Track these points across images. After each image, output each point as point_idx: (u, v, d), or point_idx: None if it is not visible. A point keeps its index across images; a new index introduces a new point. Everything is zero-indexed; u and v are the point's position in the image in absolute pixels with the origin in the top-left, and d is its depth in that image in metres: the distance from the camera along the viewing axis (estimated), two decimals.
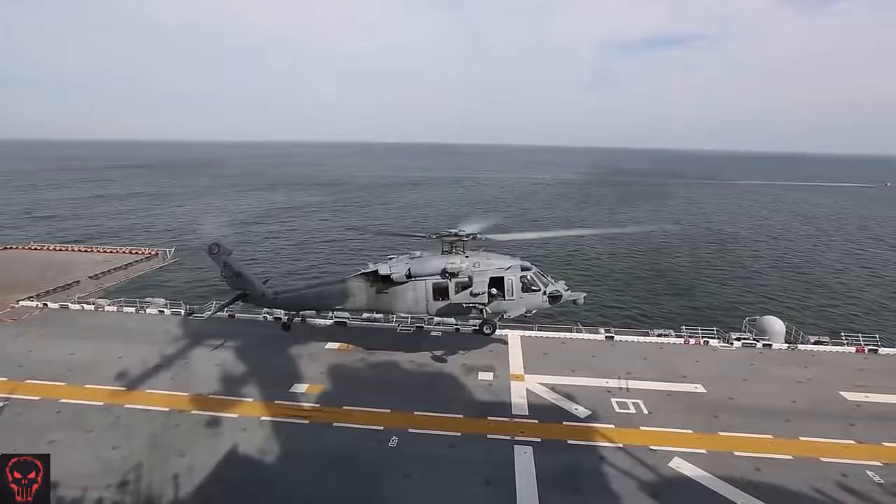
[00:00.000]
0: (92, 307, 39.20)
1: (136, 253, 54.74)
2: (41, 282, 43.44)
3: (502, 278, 27.82)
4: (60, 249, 57.02)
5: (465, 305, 28.04)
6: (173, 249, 56.78)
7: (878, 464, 20.88)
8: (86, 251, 56.14)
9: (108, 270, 47.99)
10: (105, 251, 55.90)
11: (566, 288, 28.96)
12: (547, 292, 28.19)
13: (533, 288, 28.07)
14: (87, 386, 26.67)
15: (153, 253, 54.89)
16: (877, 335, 34.14)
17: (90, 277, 45.90)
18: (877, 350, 32.54)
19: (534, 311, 28.75)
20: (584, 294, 29.56)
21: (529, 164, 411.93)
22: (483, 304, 27.61)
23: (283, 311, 32.99)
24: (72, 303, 39.68)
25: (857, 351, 32.60)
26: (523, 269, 28.23)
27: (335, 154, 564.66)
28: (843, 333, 34.50)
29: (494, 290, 27.89)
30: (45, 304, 39.04)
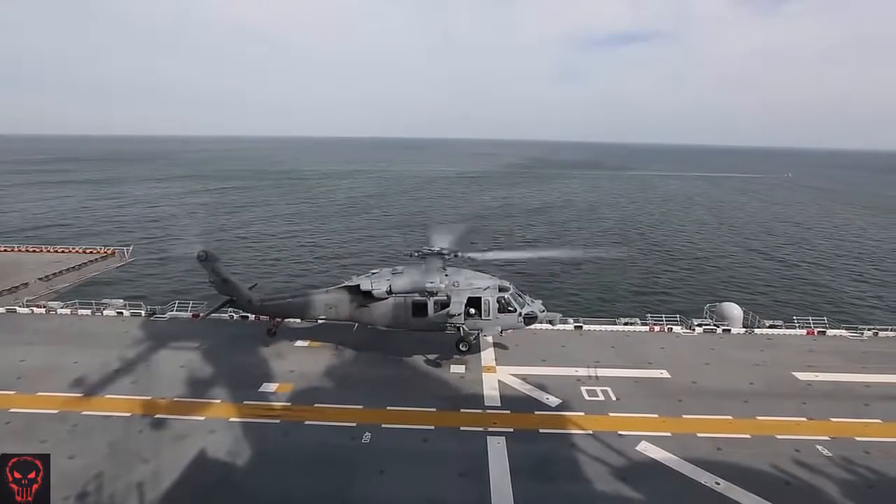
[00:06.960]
0: (42, 310, 37.02)
1: (91, 252, 51.77)
2: None
3: (479, 298, 28.44)
4: (5, 250, 53.40)
5: (442, 323, 28.66)
6: (131, 248, 54.14)
7: (827, 438, 22.24)
8: (34, 251, 52.72)
9: (60, 271, 45.25)
10: (56, 251, 52.65)
11: (542, 309, 29.99)
12: (522, 313, 28.95)
13: (509, 308, 28.76)
14: (40, 394, 25.24)
15: (109, 252, 52.04)
16: (825, 318, 36.37)
17: (40, 279, 43.23)
18: (825, 332, 34.62)
19: (509, 330, 29.65)
20: (560, 315, 30.88)
21: (464, 157, 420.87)
22: (460, 323, 28.24)
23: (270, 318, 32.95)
24: (20, 306, 37.35)
25: (808, 333, 34.58)
26: (501, 289, 28.87)
27: (273, 148, 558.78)
28: (794, 317, 36.47)
29: (472, 310, 28.52)
30: None
